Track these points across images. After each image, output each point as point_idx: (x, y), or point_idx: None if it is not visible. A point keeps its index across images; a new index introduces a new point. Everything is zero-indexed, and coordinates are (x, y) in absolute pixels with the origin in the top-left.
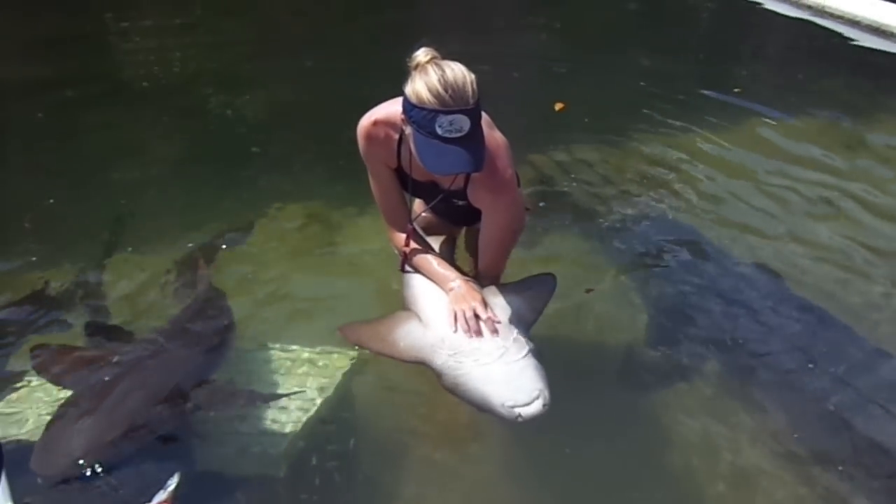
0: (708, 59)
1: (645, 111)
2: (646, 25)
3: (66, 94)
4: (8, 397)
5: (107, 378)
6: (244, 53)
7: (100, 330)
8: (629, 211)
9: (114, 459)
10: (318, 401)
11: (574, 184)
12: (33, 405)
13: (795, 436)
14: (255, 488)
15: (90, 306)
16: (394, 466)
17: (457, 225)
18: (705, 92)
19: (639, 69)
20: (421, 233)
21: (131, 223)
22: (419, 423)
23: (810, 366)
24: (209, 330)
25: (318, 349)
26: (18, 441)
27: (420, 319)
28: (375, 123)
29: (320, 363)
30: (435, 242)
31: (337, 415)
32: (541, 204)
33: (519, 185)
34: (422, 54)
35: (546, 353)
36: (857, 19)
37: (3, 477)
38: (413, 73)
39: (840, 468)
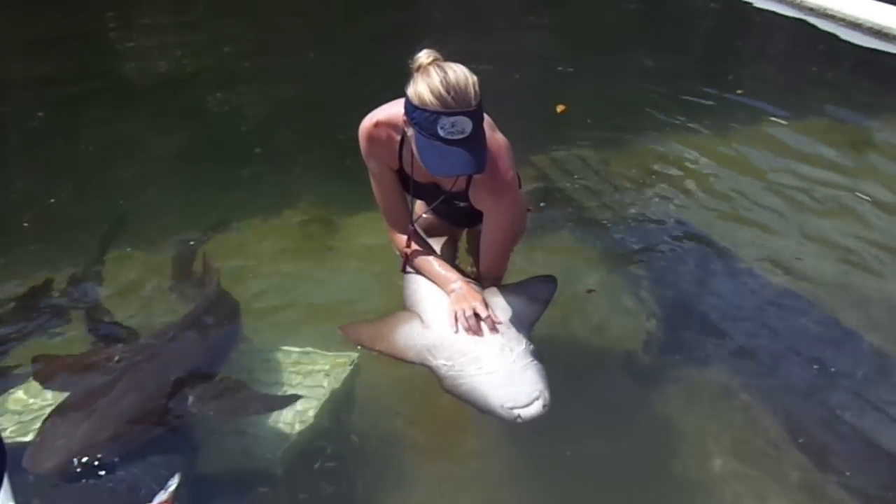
0: (709, 60)
1: (646, 112)
2: (647, 26)
3: (66, 93)
4: (9, 397)
5: (104, 378)
6: (245, 53)
7: (101, 329)
8: (631, 212)
9: (108, 459)
10: (319, 401)
11: (576, 185)
12: (34, 405)
13: (797, 437)
14: (256, 488)
15: (91, 306)
16: (394, 467)
17: (458, 226)
18: (707, 93)
19: (640, 70)
20: (422, 234)
21: (131, 222)
22: (420, 423)
23: (815, 367)
24: (214, 331)
25: (318, 349)
26: (20, 441)
27: (421, 320)
28: (377, 125)
29: (321, 363)
30: (436, 244)
31: (337, 415)
32: (541, 204)
33: (520, 186)
34: (424, 56)
35: (547, 354)
36: (859, 22)
37: (6, 477)
38: (415, 74)
39: (841, 470)
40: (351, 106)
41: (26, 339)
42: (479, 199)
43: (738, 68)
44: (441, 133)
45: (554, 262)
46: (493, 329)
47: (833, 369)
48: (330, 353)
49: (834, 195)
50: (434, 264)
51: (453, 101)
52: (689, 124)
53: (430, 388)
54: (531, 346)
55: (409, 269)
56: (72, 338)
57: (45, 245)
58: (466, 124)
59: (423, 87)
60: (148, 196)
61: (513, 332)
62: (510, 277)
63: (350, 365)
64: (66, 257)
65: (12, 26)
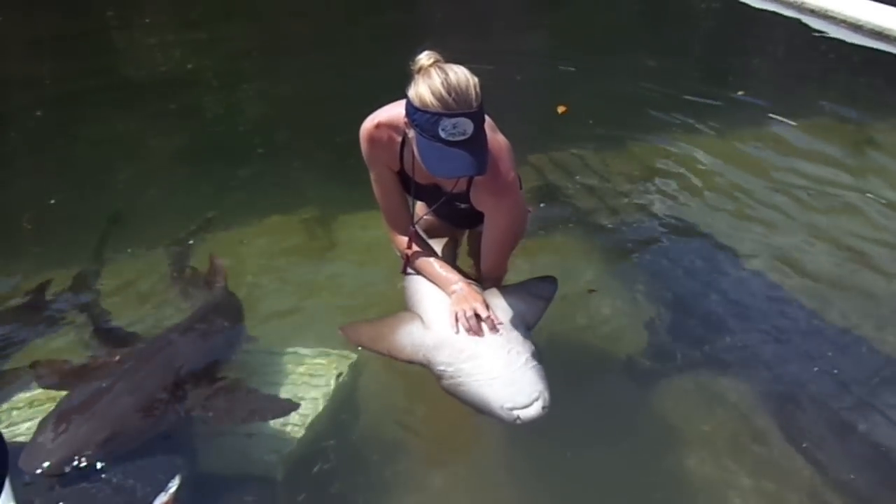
0: (710, 60)
1: (648, 113)
2: (648, 26)
3: (66, 93)
4: (9, 398)
5: (104, 378)
6: (245, 53)
7: (102, 329)
8: (632, 212)
9: (108, 460)
10: (319, 401)
11: (577, 185)
12: (35, 406)
13: (799, 439)
14: (257, 489)
15: (92, 306)
16: (394, 467)
17: (459, 228)
18: (708, 93)
19: (641, 70)
20: (423, 235)
21: (132, 223)
22: (419, 424)
23: (818, 368)
24: (218, 331)
25: (318, 349)
26: (21, 442)
27: (422, 320)
28: (378, 126)
29: (321, 363)
30: (437, 245)
31: (337, 416)
32: (541, 205)
33: (521, 187)
34: (425, 57)
35: (548, 354)
36: (860, 23)
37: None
38: (416, 76)
39: (845, 473)
40: (351, 107)
41: (27, 339)
42: (480, 200)
43: (739, 69)
44: (442, 135)
45: (555, 263)
46: (494, 330)
47: (836, 370)
48: (330, 354)
49: (836, 195)
50: (435, 265)
51: (454, 103)
52: (691, 125)
53: (431, 388)
54: (531, 347)
55: (409, 270)
56: (72, 338)
57: (45, 245)
58: (468, 126)
59: (424, 89)
60: (148, 196)
61: (513, 333)
62: (511, 278)
63: (350, 365)
64: (66, 257)
65: (12, 26)
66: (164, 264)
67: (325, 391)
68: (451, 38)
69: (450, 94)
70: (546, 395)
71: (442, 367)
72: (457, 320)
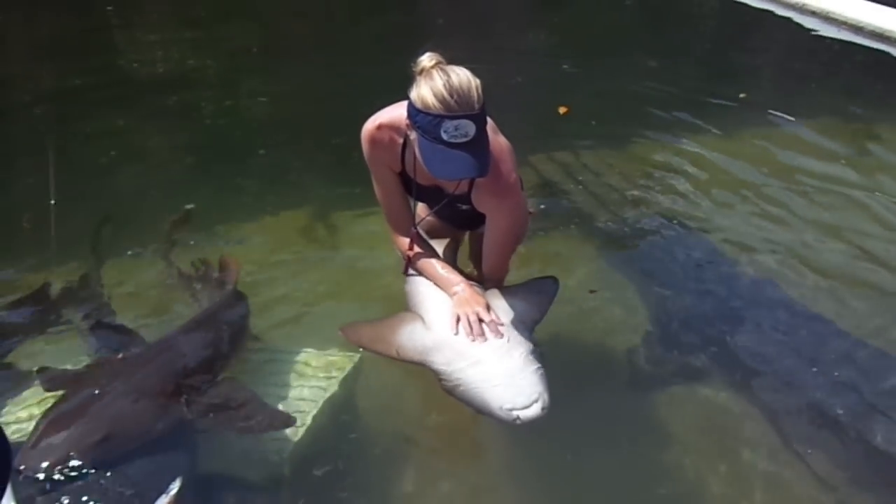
0: (711, 61)
1: (649, 114)
2: (650, 28)
3: (67, 94)
4: (9, 398)
5: (102, 379)
6: (247, 56)
7: (103, 329)
8: (633, 213)
9: (100, 462)
10: (319, 402)
11: (578, 186)
12: (35, 406)
13: (799, 441)
14: (257, 491)
15: (92, 306)
16: (395, 468)
17: (460, 229)
18: (710, 94)
19: (643, 71)
20: (424, 236)
21: (132, 222)
22: (420, 425)
23: (822, 371)
24: (224, 331)
25: (320, 350)
26: (21, 442)
27: (423, 321)
28: (380, 127)
29: (322, 364)
30: (438, 246)
31: (338, 417)
32: (541, 206)
33: (522, 188)
34: (426, 59)
35: (548, 355)
36: (861, 25)
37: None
38: (418, 78)
39: (843, 475)
40: (352, 107)
41: (27, 340)
42: (482, 201)
43: (740, 69)
44: (444, 137)
45: (555, 264)
46: (495, 332)
47: (838, 373)
48: (331, 354)
49: (837, 196)
50: (436, 267)
51: (456, 105)
52: (692, 125)
53: (432, 389)
54: (532, 349)
55: (411, 271)
56: (73, 337)
57: (45, 245)
58: (470, 128)
59: (426, 91)
60: (148, 196)
61: (514, 334)
62: (512, 279)
63: (352, 366)
64: (65, 258)
65: (13, 26)
66: (166, 264)
67: (326, 392)
68: (452, 38)
69: (452, 95)
70: (546, 396)
71: (442, 368)
72: (458, 322)
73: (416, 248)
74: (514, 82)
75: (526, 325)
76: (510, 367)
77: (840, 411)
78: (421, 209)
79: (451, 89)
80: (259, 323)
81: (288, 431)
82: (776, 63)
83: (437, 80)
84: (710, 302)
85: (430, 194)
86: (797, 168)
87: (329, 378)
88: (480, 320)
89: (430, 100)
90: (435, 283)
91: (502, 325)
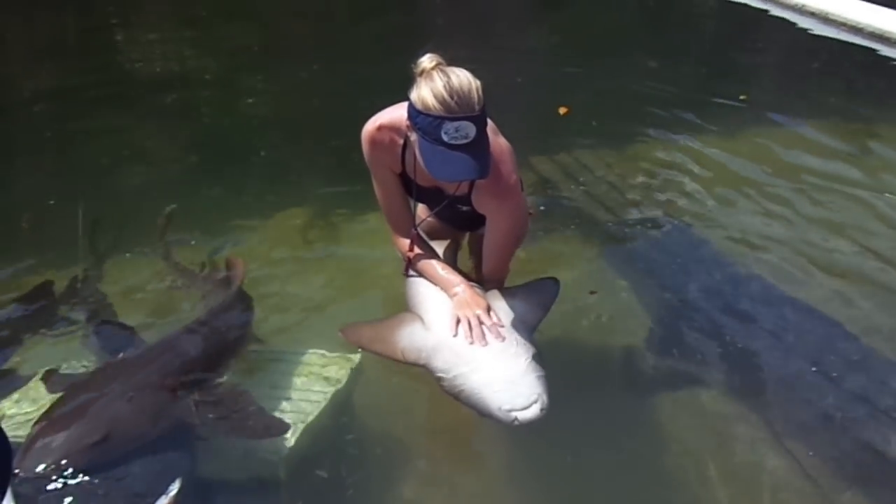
0: (712, 63)
1: (649, 115)
2: (650, 28)
3: (67, 95)
4: (9, 399)
5: (102, 380)
6: (247, 56)
7: (104, 329)
8: (634, 214)
9: (99, 463)
10: (320, 403)
11: (579, 187)
12: (34, 407)
13: (800, 442)
14: (258, 491)
15: (93, 306)
16: (394, 469)
17: (460, 230)
18: (710, 96)
19: (644, 72)
20: (425, 237)
21: (132, 223)
22: (419, 426)
23: (822, 373)
24: (224, 335)
25: (319, 351)
26: (20, 443)
27: (422, 322)
28: (380, 128)
29: (321, 365)
30: (438, 247)
31: (338, 417)
32: (541, 208)
33: (522, 189)
34: (427, 60)
35: (548, 356)
36: (861, 26)
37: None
38: (418, 79)
39: (844, 475)
40: (354, 109)
41: (27, 340)
42: (482, 202)
43: (741, 72)
44: (445, 138)
45: (556, 264)
46: (495, 333)
47: (836, 374)
48: (331, 355)
49: (840, 196)
50: (437, 268)
51: (457, 106)
52: (693, 126)
53: (431, 390)
54: (532, 350)
55: (411, 272)
56: (73, 337)
57: (44, 245)
58: (470, 129)
59: (426, 92)
60: (148, 196)
61: (514, 335)
62: (512, 280)
63: (351, 367)
64: (63, 258)
65: (13, 26)
66: (167, 264)
67: (325, 392)
68: (452, 38)
69: (452, 97)
70: (544, 397)
71: (441, 370)
72: (458, 324)
73: (417, 250)
74: (515, 82)
75: (526, 327)
76: (509, 369)
77: (841, 412)
78: (421, 210)
79: (451, 91)
80: (258, 323)
81: (287, 432)
82: (776, 63)
83: (437, 82)
84: (711, 302)
85: (431, 195)
86: (799, 167)
87: (328, 379)
88: (480, 322)
89: (431, 101)
90: (435, 285)
91: (502, 326)
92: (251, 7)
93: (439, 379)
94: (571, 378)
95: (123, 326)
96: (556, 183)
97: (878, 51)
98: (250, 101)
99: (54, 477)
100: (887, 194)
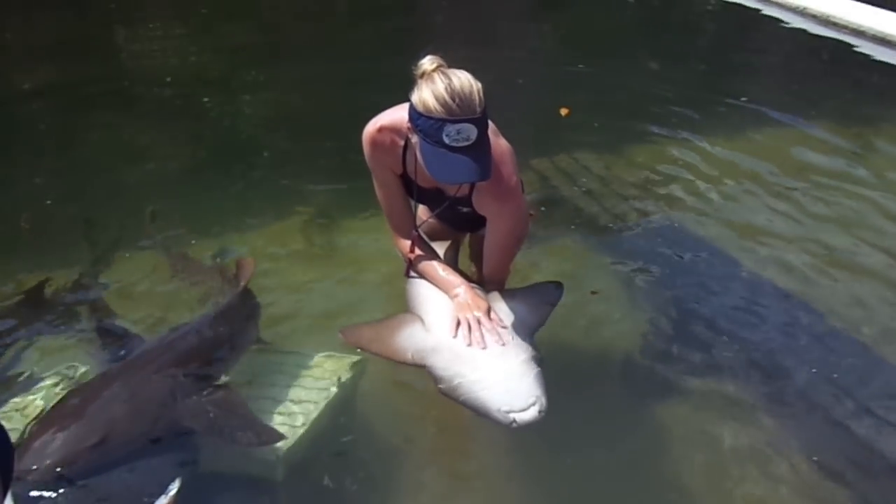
0: (714, 65)
1: (650, 116)
2: (652, 30)
3: (68, 95)
4: (9, 399)
5: (99, 381)
6: (247, 57)
7: (104, 330)
8: (634, 216)
9: (95, 466)
10: (319, 403)
11: (580, 188)
12: (34, 406)
13: (800, 443)
14: (258, 492)
15: (93, 306)
16: (393, 470)
17: (461, 231)
18: (712, 98)
19: (645, 74)
20: (426, 239)
21: (132, 223)
22: (418, 427)
23: (820, 373)
24: (227, 336)
25: (319, 351)
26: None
27: (423, 323)
28: (381, 130)
29: (321, 365)
30: (439, 248)
31: (337, 417)
32: (542, 209)
33: (523, 191)
34: (427, 62)
35: (549, 357)
36: (862, 29)
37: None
38: (419, 81)
39: (845, 478)
40: (355, 110)
41: (26, 339)
42: (483, 204)
43: (742, 74)
44: (446, 140)
45: (556, 265)
46: (496, 335)
47: (841, 374)
48: (331, 356)
49: (845, 196)
50: (438, 269)
51: (458, 109)
52: (694, 129)
53: (431, 391)
54: (532, 352)
55: (412, 273)
56: (73, 337)
57: (42, 245)
58: (471, 131)
59: (427, 95)
60: (149, 198)
61: (514, 337)
62: (513, 281)
63: (351, 367)
64: (62, 258)
65: (15, 29)
66: (167, 266)
67: (325, 393)
68: (452, 39)
69: (453, 99)
70: (543, 399)
71: (441, 371)
72: (458, 326)
73: (418, 250)
74: (516, 83)
75: (527, 329)
76: (508, 371)
77: (845, 413)
78: (422, 211)
79: (452, 93)
80: (261, 324)
81: (287, 432)
82: (777, 63)
83: (438, 84)
84: (713, 303)
85: (431, 197)
86: (802, 168)
87: (328, 379)
88: (480, 324)
89: (432, 103)
90: (436, 286)
91: (503, 328)
92: (252, 7)
93: (438, 380)
94: (571, 378)
95: (123, 326)
96: (556, 184)
97: (879, 54)
98: (251, 100)
99: (53, 478)
100: (884, 192)
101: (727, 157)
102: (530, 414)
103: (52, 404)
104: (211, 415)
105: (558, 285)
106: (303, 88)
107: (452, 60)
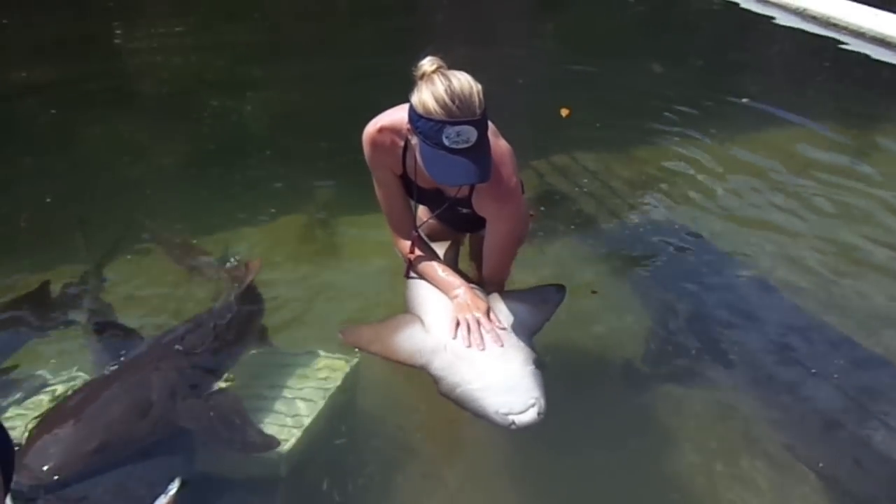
0: (714, 66)
1: (651, 117)
2: (652, 31)
3: (68, 95)
4: (8, 399)
5: (98, 382)
6: (247, 57)
7: (104, 330)
8: (635, 216)
9: (95, 469)
10: (319, 403)
11: (580, 189)
12: (34, 407)
13: (800, 445)
14: (257, 491)
15: (93, 306)
16: (392, 470)
17: (461, 231)
18: (712, 98)
19: (645, 75)
20: (426, 239)
21: (132, 223)
22: (418, 428)
23: (820, 375)
24: (228, 337)
25: (320, 352)
26: (19, 444)
27: (422, 324)
28: (381, 130)
29: (321, 366)
30: (439, 248)
31: (336, 418)
32: (541, 209)
33: (523, 191)
34: (427, 64)
35: (549, 356)
36: (863, 31)
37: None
38: (419, 82)
39: (845, 481)
40: (355, 111)
41: (26, 339)
42: (483, 205)
43: (742, 75)
44: (446, 142)
45: (557, 265)
46: (495, 337)
47: (844, 374)
48: (331, 356)
49: (839, 199)
50: (438, 270)
51: (458, 111)
52: (694, 129)
53: (431, 392)
54: (531, 354)
55: (412, 274)
56: (73, 337)
57: (42, 245)
58: (471, 133)
59: (427, 96)
60: (150, 199)
61: (513, 339)
62: (513, 281)
63: (351, 368)
64: (61, 258)
65: (15, 29)
66: (166, 266)
67: (325, 393)
68: (452, 40)
69: (453, 101)
70: (542, 401)
71: (440, 371)
72: (457, 327)
73: (418, 251)
74: (516, 83)
75: (526, 331)
76: (507, 372)
77: (848, 414)
78: (422, 212)
79: (452, 95)
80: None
81: (287, 433)
82: (778, 63)
83: (438, 86)
84: (713, 304)
85: (431, 197)
86: (804, 166)
87: (328, 380)
88: (480, 325)
89: (432, 105)
90: (436, 286)
91: (502, 329)
92: (252, 7)
93: (437, 381)
94: (572, 379)
95: (123, 326)
96: (556, 184)
97: (880, 55)
98: (251, 98)
99: (53, 479)
100: (872, 199)
101: (729, 155)
102: (529, 416)
103: (52, 405)
104: (210, 418)
105: (560, 288)
106: (303, 87)
107: (452, 60)
